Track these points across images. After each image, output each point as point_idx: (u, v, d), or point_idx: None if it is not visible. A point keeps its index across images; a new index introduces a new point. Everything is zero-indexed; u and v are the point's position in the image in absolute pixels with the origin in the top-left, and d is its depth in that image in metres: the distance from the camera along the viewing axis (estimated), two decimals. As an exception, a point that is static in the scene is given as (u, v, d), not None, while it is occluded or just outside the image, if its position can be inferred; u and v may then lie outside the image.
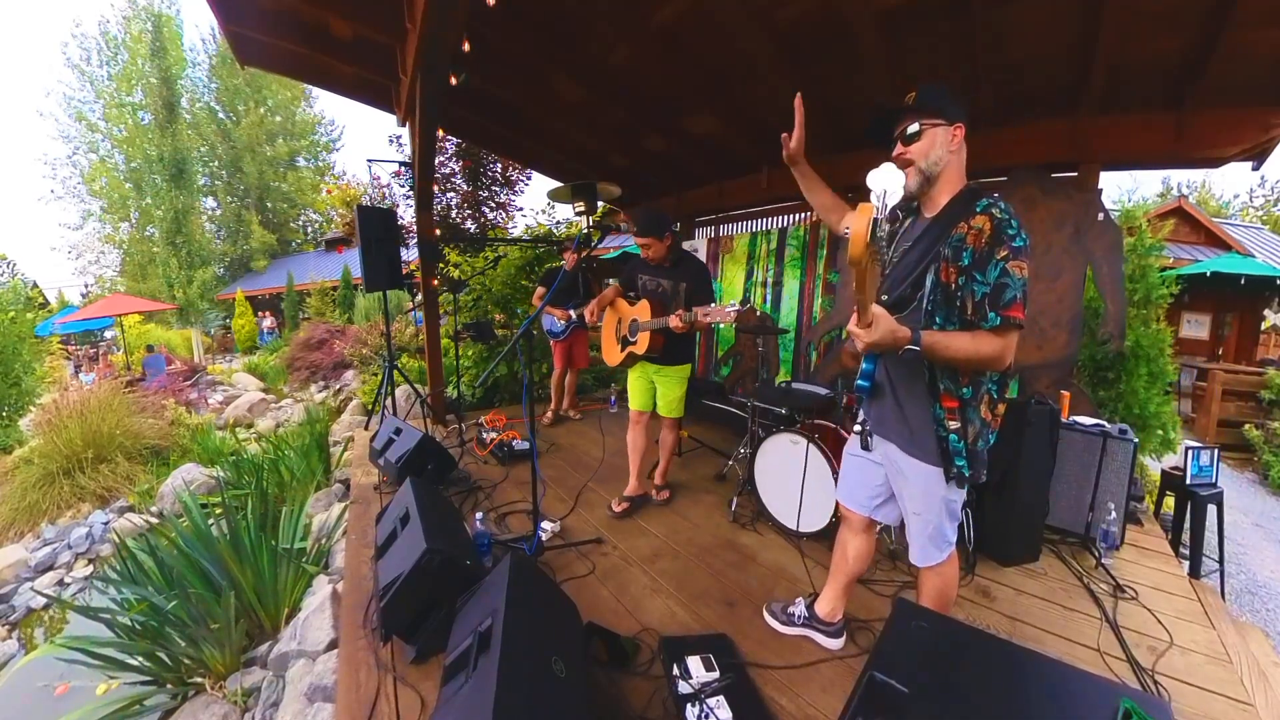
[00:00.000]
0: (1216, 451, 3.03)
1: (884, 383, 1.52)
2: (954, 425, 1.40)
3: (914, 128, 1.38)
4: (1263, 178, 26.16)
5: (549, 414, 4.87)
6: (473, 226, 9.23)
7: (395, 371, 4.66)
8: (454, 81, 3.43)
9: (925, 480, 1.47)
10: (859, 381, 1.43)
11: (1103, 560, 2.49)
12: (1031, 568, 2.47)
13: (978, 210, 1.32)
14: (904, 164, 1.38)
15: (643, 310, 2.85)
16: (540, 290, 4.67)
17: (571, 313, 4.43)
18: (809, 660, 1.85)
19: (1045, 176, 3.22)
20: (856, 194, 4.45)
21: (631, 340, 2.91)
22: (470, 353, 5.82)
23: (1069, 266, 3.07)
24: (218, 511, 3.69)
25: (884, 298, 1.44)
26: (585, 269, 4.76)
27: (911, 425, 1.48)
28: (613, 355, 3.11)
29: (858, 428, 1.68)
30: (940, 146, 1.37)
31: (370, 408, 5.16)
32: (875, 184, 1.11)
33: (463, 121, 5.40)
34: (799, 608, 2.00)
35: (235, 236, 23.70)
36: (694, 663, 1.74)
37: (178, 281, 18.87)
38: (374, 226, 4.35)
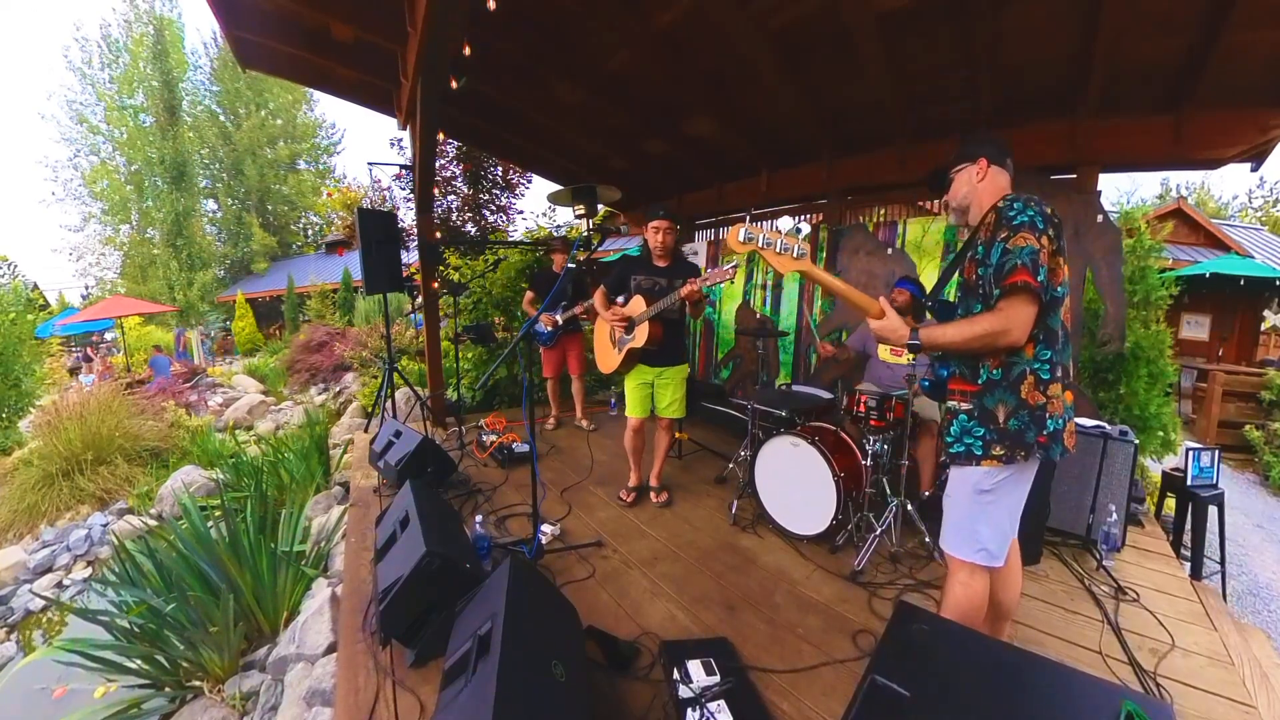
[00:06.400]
0: (1217, 453, 3.02)
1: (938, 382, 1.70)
2: (965, 407, 1.52)
3: (950, 178, 1.67)
4: (1261, 178, 26.04)
5: (551, 420, 4.81)
6: (473, 229, 9.24)
7: (395, 374, 4.65)
8: (454, 85, 3.44)
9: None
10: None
11: (1104, 562, 2.48)
12: (1032, 570, 2.46)
13: (991, 211, 1.50)
14: (945, 205, 1.72)
15: (635, 306, 2.88)
16: (530, 295, 4.56)
17: (558, 317, 4.22)
18: (810, 664, 1.85)
19: (1044, 178, 3.22)
20: (856, 195, 4.42)
21: (629, 337, 2.90)
22: (470, 355, 5.82)
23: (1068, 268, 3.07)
24: (217, 514, 3.68)
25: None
26: (583, 271, 4.73)
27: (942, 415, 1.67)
28: (609, 361, 3.08)
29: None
30: (966, 184, 1.62)
31: (370, 410, 5.16)
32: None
33: (463, 124, 5.41)
34: None
35: (236, 239, 23.67)
36: (694, 667, 1.74)
37: (178, 283, 18.91)
38: (374, 229, 4.35)
